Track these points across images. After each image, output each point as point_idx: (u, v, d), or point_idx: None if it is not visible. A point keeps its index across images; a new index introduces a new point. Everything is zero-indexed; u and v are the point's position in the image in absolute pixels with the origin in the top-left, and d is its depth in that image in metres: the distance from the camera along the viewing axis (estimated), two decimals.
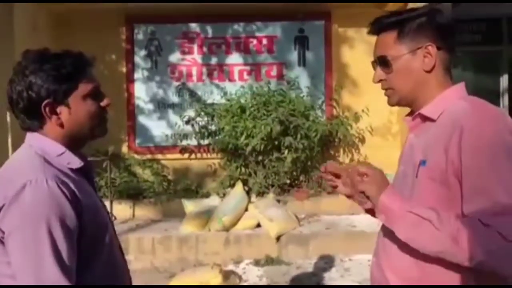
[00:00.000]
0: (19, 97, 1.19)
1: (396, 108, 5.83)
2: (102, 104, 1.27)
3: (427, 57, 1.19)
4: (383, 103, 5.67)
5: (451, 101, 1.18)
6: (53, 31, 5.58)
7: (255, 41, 5.88)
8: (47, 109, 1.19)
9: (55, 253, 1.06)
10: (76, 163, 1.23)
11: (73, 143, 1.25)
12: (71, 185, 1.14)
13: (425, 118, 1.22)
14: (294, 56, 5.87)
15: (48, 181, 1.10)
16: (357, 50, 5.77)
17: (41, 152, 1.19)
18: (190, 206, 4.89)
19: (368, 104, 5.57)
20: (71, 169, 1.21)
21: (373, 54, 1.28)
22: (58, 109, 1.21)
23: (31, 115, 1.20)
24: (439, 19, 1.20)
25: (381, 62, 1.23)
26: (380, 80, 1.25)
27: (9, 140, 4.95)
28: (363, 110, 5.58)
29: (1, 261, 1.11)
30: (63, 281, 1.06)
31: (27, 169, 1.13)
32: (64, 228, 1.08)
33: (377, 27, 1.25)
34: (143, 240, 4.38)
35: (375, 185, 1.14)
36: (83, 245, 1.14)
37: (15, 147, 5.20)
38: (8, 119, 4.87)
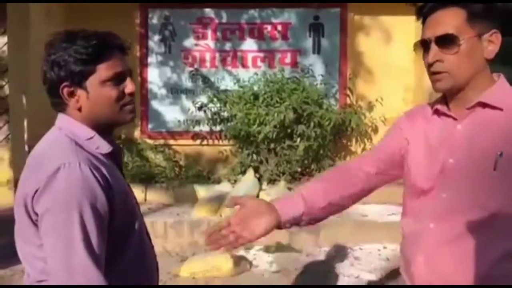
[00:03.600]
0: (44, 77, 1.18)
1: (410, 97, 5.82)
2: (126, 90, 1.20)
3: (492, 44, 1.13)
4: (397, 93, 5.68)
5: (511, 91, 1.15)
6: (67, 17, 5.57)
7: (269, 27, 5.83)
8: (64, 91, 1.16)
9: (85, 238, 1.06)
10: (105, 148, 1.20)
11: (98, 128, 1.20)
12: (103, 170, 1.13)
13: (485, 107, 1.14)
14: (308, 43, 5.81)
15: (81, 165, 1.08)
16: (373, 38, 5.70)
17: (72, 135, 1.16)
18: (202, 191, 4.92)
19: (382, 93, 5.53)
20: (101, 154, 1.19)
21: (426, 32, 1.17)
22: (77, 93, 1.16)
23: (54, 97, 1.18)
24: (505, 5, 1.16)
25: (444, 41, 1.13)
26: (435, 62, 1.15)
27: (25, 123, 5.00)
28: (377, 100, 5.54)
29: (35, 243, 1.11)
30: (91, 267, 1.05)
31: (60, 153, 1.11)
32: (96, 213, 1.07)
33: (440, 3, 1.15)
34: (155, 224, 4.43)
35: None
36: (114, 231, 1.13)
37: (31, 130, 5.29)
38: (24, 101, 4.91)
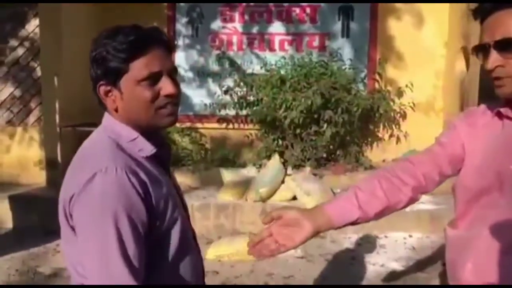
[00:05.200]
0: (89, 73, 1.11)
1: (440, 83, 5.66)
2: (162, 92, 1.09)
3: None
4: (428, 78, 5.54)
5: None
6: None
7: (298, 10, 5.73)
8: (101, 90, 1.10)
9: (121, 248, 1.00)
10: (147, 150, 1.12)
11: (140, 129, 1.12)
12: (142, 176, 1.06)
13: None
14: (337, 26, 5.70)
15: (118, 171, 1.02)
16: (404, 22, 5.54)
17: (115, 136, 1.11)
18: (227, 175, 4.96)
19: (412, 79, 5.40)
20: (144, 157, 1.11)
21: (484, 36, 1.11)
22: (113, 92, 1.09)
23: (97, 95, 1.12)
24: None
25: (503, 45, 1.07)
26: (496, 67, 1.09)
27: (57, 105, 5.10)
28: (406, 85, 5.41)
29: (76, 247, 1.07)
30: (128, 277, 1.00)
31: (99, 157, 1.06)
32: (132, 222, 1.02)
33: (496, 4, 1.08)
34: None
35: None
36: (154, 240, 1.08)
37: (62, 112, 5.38)
38: (56, 83, 5.01)
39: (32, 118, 5.38)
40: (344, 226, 1.22)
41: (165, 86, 1.09)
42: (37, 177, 5.17)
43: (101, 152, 1.07)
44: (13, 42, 5.33)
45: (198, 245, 1.29)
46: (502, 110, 1.16)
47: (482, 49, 1.12)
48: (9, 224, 4.57)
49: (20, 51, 5.32)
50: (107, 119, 1.14)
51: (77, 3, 5.27)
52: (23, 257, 3.86)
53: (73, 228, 1.07)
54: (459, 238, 1.21)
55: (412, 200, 1.28)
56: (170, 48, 1.14)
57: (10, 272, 3.58)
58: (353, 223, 1.23)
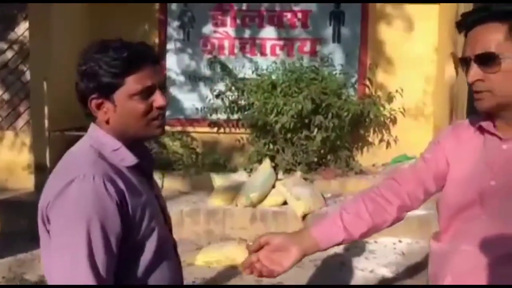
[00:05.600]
0: (76, 86, 1.17)
1: (430, 89, 5.70)
2: (155, 104, 1.16)
3: None
4: (417, 83, 5.56)
5: None
6: (88, 3, 5.58)
7: (289, 15, 5.75)
8: (93, 103, 1.15)
9: (90, 256, 1.03)
10: (128, 160, 1.17)
11: (126, 140, 1.18)
12: (120, 184, 1.10)
13: None
14: (328, 31, 5.72)
15: (96, 178, 1.06)
16: (394, 28, 5.57)
17: (97, 145, 1.16)
18: (218, 180, 4.94)
19: (402, 84, 5.43)
20: (126, 166, 1.16)
21: (466, 49, 1.11)
22: (105, 105, 1.15)
23: (85, 107, 1.17)
24: None
25: (484, 59, 1.07)
26: (476, 81, 1.09)
27: (46, 109, 5.05)
28: (396, 90, 5.45)
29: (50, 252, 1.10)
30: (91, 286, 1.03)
31: (79, 164, 1.11)
32: (104, 230, 1.05)
33: (478, 18, 1.08)
34: (171, 211, 4.39)
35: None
36: (126, 249, 1.11)
37: (51, 116, 5.34)
38: (45, 87, 4.97)
39: (21, 122, 5.33)
40: (331, 247, 1.26)
41: (157, 99, 1.16)
42: (25, 182, 5.12)
43: (82, 160, 1.12)
44: (2, 45, 5.28)
45: (178, 255, 1.32)
46: (484, 124, 1.16)
47: (464, 62, 1.12)
48: None
49: (9, 54, 5.28)
50: (93, 130, 1.19)
51: (67, 5, 5.23)
52: (9, 263, 3.82)
53: (49, 233, 1.09)
54: (441, 251, 1.22)
55: (397, 219, 1.30)
56: (158, 61, 1.21)
57: None
58: (339, 244, 1.26)
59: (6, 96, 5.31)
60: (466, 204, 1.15)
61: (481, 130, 1.18)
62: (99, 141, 1.16)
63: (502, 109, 1.10)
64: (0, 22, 5.27)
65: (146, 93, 1.14)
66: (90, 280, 1.02)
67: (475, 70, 1.08)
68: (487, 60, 1.07)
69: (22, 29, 5.24)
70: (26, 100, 5.23)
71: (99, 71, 1.11)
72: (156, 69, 1.17)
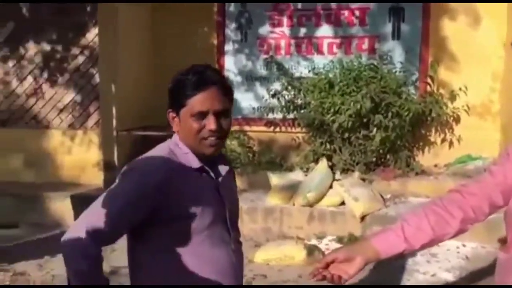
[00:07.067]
0: None
1: (498, 86, 5.41)
2: (207, 127, 1.36)
3: None
4: (484, 81, 5.33)
5: None
6: (153, 6, 5.82)
7: (346, 13, 5.68)
8: (169, 116, 1.42)
9: (98, 213, 1.30)
10: (194, 164, 1.40)
11: (192, 149, 1.41)
12: (179, 176, 1.35)
13: None
14: (388, 28, 5.59)
15: (160, 160, 1.35)
16: (458, 23, 5.34)
17: (173, 147, 1.41)
18: (275, 179, 5.01)
19: (466, 82, 5.21)
20: (194, 168, 1.40)
21: None
22: (175, 119, 1.41)
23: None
24: None
25: None
26: None
27: (114, 110, 5.34)
28: (460, 88, 5.23)
29: (138, 249, 1.41)
30: (81, 233, 1.27)
31: (154, 152, 1.42)
32: (133, 199, 1.31)
33: None
34: None
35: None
36: (174, 226, 1.35)
37: (119, 116, 5.63)
38: (113, 89, 5.26)
39: (91, 122, 5.69)
40: (392, 256, 1.29)
41: (209, 123, 1.36)
42: (95, 178, 5.46)
43: (158, 151, 1.42)
44: (74, 50, 5.66)
45: (239, 249, 1.54)
46: None
47: None
48: (70, 222, 4.86)
49: (81, 59, 5.65)
50: (175, 135, 1.45)
51: (133, 12, 5.50)
52: None
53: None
54: (509, 261, 1.21)
55: (461, 231, 1.30)
56: (225, 88, 1.40)
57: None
58: (401, 254, 1.29)
59: (77, 98, 5.69)
60: None
61: None
62: (176, 144, 1.42)
63: None
64: (73, 29, 5.65)
65: (200, 115, 1.35)
66: (84, 225, 1.29)
67: None
68: None
69: (92, 35, 5.59)
70: (96, 101, 5.58)
71: (175, 90, 1.38)
72: (217, 97, 1.35)
